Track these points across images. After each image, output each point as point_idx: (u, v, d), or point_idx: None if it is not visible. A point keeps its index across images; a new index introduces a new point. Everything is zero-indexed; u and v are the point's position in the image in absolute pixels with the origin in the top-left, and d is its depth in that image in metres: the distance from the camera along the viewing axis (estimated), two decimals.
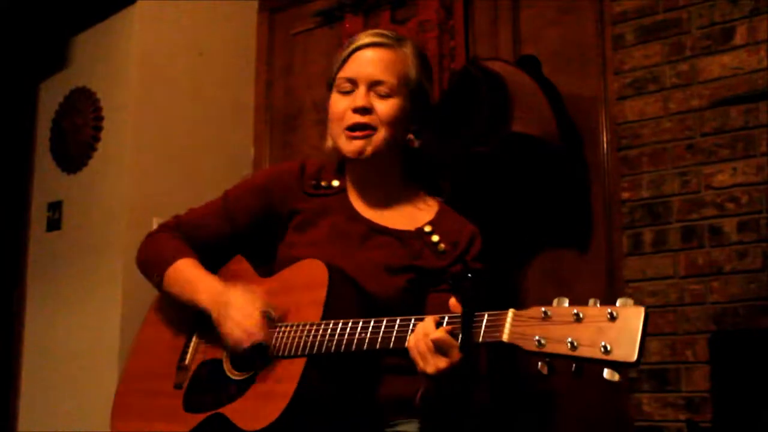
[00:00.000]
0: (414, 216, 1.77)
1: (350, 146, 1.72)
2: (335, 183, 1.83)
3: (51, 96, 3.68)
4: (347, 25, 3.54)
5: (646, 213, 2.78)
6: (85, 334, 3.34)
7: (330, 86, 1.79)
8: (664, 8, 2.82)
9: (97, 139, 3.47)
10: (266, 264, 1.79)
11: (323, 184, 1.82)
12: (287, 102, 3.81)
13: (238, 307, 1.63)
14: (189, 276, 1.75)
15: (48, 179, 3.64)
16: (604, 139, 2.95)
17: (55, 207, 3.57)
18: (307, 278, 1.64)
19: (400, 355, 1.47)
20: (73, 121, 3.54)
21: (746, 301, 2.56)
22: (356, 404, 1.61)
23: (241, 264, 1.82)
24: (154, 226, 3.26)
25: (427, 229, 1.73)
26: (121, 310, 3.17)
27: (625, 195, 2.83)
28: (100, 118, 3.47)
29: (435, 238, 1.72)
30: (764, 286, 2.54)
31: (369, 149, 1.71)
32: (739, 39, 2.67)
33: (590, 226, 2.93)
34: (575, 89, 3.00)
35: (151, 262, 1.82)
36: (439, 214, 1.78)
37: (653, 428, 2.66)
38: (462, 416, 1.65)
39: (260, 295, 1.65)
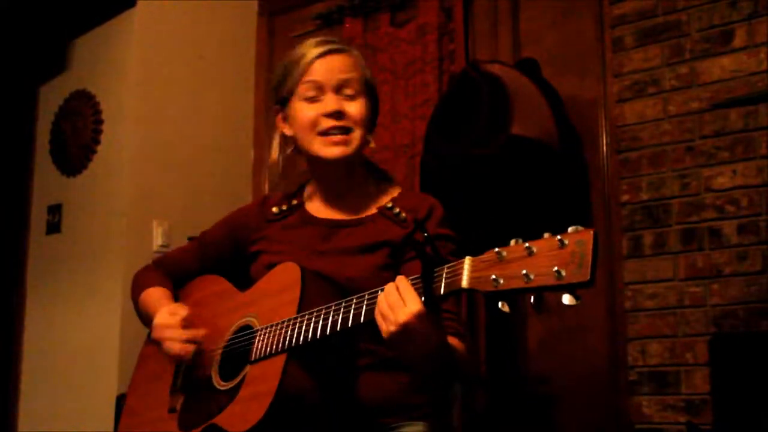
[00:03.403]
0: (377, 202, 1.82)
1: (330, 151, 1.76)
2: (294, 202, 1.88)
3: (51, 99, 3.68)
4: (347, 28, 3.54)
5: (646, 215, 2.78)
6: (85, 335, 3.34)
7: (284, 99, 1.80)
8: (664, 11, 2.82)
9: (96, 141, 3.47)
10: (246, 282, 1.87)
11: (284, 207, 1.88)
12: None
13: (161, 329, 1.76)
14: (148, 302, 1.88)
15: (47, 182, 3.64)
16: (604, 142, 2.96)
17: (55, 210, 3.57)
18: (282, 281, 1.68)
19: (383, 344, 1.46)
20: (73, 124, 3.54)
21: (746, 303, 2.56)
22: (343, 401, 1.62)
23: (222, 284, 1.89)
24: (154, 229, 3.35)
25: (389, 205, 1.78)
26: (121, 312, 3.16)
27: (625, 197, 2.83)
28: (100, 121, 3.47)
29: (396, 210, 1.77)
30: (764, 288, 2.54)
31: (349, 150, 1.76)
32: (738, 41, 2.67)
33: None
34: (575, 92, 3.00)
35: (132, 293, 1.96)
36: (401, 194, 1.83)
37: (653, 430, 2.65)
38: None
39: (169, 319, 1.75)
